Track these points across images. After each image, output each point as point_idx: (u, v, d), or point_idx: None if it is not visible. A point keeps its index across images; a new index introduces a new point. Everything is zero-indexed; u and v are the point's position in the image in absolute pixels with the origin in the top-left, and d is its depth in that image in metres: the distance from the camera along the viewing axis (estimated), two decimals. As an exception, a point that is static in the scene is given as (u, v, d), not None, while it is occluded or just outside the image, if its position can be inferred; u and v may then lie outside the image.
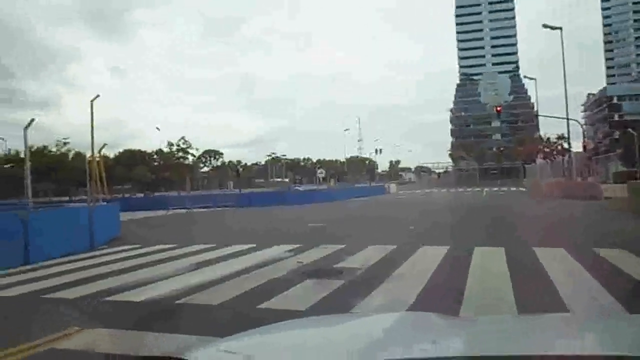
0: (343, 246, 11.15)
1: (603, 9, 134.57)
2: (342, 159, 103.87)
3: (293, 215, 22.83)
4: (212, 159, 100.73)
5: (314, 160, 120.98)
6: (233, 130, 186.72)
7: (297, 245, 11.56)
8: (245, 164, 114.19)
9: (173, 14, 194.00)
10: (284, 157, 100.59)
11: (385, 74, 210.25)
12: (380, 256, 9.65)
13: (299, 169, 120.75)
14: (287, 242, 12.25)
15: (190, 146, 76.25)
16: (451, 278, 7.52)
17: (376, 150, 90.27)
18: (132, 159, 74.68)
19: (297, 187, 64.54)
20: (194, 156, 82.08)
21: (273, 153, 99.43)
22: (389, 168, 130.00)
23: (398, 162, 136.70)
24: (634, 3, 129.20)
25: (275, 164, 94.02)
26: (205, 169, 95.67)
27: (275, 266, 9.16)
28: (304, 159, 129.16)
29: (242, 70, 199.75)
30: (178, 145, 74.94)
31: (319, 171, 56.19)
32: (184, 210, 29.64)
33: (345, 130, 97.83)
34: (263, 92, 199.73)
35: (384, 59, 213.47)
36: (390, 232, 14.30)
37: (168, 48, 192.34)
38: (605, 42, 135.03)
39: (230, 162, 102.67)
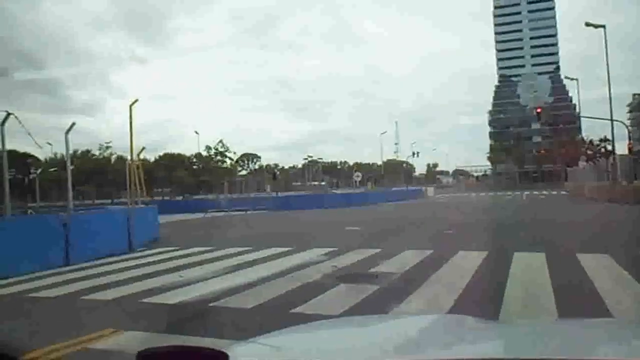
0: (379, 250, 11.02)
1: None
2: (379, 162, 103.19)
3: (330, 219, 22.78)
4: (249, 162, 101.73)
5: (351, 164, 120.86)
6: (271, 133, 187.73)
7: (333, 249, 11.48)
8: (283, 167, 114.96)
9: (210, 17, 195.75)
10: (321, 160, 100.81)
11: (423, 76, 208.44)
12: (417, 261, 9.48)
13: (336, 172, 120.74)
14: (323, 245, 12.20)
15: (227, 150, 77.10)
16: (489, 284, 7.32)
17: (413, 153, 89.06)
18: (172, 162, 75.84)
19: (334, 191, 64.52)
20: (232, 160, 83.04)
21: (309, 156, 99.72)
22: (427, 171, 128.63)
23: (435, 165, 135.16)
24: None
25: (312, 167, 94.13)
26: (243, 172, 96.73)
27: (310, 270, 9.10)
28: (341, 162, 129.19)
29: (279, 73, 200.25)
30: (216, 149, 75.87)
31: (355, 174, 55.91)
32: (222, 213, 29.96)
33: (382, 133, 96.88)
34: (299, 95, 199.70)
35: (422, 61, 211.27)
36: (427, 237, 14.07)
37: (206, 52, 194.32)
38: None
39: (267, 165, 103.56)
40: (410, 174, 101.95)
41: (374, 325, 2.20)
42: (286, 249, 11.91)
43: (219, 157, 76.32)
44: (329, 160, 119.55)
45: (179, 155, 79.64)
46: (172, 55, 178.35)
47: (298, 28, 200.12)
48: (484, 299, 6.43)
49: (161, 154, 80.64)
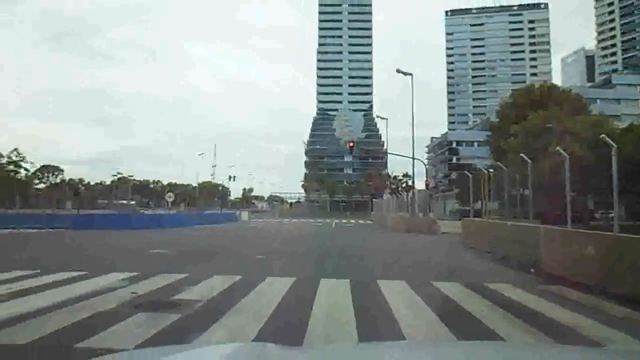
0: (185, 275, 10.44)
1: (448, 63, 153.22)
2: (195, 184, 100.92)
3: (136, 241, 21.33)
4: (50, 175, 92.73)
5: (165, 183, 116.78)
6: (77, 146, 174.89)
7: (135, 274, 10.59)
8: (89, 182, 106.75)
9: (15, 15, 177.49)
10: (132, 178, 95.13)
11: (245, 102, 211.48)
12: (224, 287, 9.13)
13: (148, 191, 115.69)
14: (124, 270, 11.20)
15: (23, 159, 69.23)
16: (295, 310, 7.29)
17: (230, 177, 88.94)
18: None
19: (143, 211, 61.32)
20: (28, 171, 74.82)
21: (119, 173, 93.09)
22: (242, 195, 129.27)
23: (251, 189, 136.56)
24: (473, 61, 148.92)
25: (122, 184, 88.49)
26: (42, 185, 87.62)
27: (106, 297, 8.19)
28: (154, 181, 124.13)
29: (89, 84, 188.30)
30: (9, 158, 67.75)
31: (168, 195, 53.70)
32: (7, 231, 26.45)
33: (199, 154, 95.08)
34: (112, 109, 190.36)
35: (244, 87, 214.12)
36: (236, 262, 13.83)
37: (10, 52, 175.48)
38: (449, 93, 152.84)
39: (71, 179, 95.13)
40: (226, 198, 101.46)
41: (168, 358, 2.04)
42: (78, 273, 10.66)
43: (11, 167, 68.11)
44: (141, 179, 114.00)
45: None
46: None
47: (116, 40, 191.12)
48: (289, 326, 6.38)
49: None
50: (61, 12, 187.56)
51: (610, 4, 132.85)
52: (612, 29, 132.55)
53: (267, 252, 16.43)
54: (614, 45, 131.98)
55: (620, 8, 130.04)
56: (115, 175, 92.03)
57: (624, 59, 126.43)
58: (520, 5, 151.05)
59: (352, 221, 54.91)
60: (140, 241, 21.07)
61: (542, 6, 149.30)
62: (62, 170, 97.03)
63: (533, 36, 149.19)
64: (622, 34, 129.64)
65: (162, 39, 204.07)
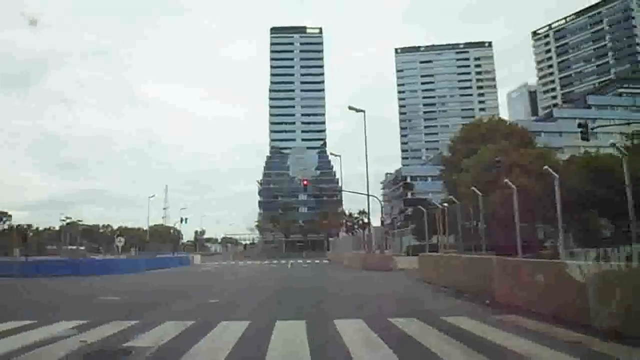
0: (137, 322, 10.10)
1: (399, 99, 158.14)
2: (145, 227, 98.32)
3: (85, 287, 20.71)
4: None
5: (115, 227, 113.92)
6: (23, 190, 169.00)
7: (84, 322, 10.17)
8: (37, 228, 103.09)
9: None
10: (81, 223, 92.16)
11: (196, 142, 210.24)
12: (177, 333, 8.85)
13: (98, 236, 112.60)
14: (73, 318, 10.75)
15: (-35, 205, 66.42)
16: (250, 353, 7.15)
17: (182, 219, 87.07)
18: None
19: (92, 256, 59.57)
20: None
21: (68, 217, 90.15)
22: (194, 238, 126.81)
23: (203, 232, 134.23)
24: (424, 97, 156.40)
25: (71, 229, 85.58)
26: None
27: (53, 347, 7.82)
28: (104, 225, 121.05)
29: (36, 125, 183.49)
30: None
31: (117, 239, 52.44)
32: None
33: (150, 197, 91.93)
34: (60, 151, 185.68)
35: (196, 127, 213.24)
36: (189, 307, 13.45)
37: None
38: (401, 128, 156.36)
39: (19, 225, 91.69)
40: (178, 241, 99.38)
41: None
42: (27, 322, 10.20)
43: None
44: (91, 223, 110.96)
45: None
46: None
47: (67, 80, 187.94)
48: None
49: None
50: (8, 54, 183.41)
51: (547, 43, 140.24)
52: (550, 66, 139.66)
53: (220, 296, 16.15)
54: (553, 82, 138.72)
55: (556, 47, 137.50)
56: (64, 220, 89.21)
57: (562, 94, 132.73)
58: (466, 44, 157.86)
59: (309, 261, 54.59)
60: (91, 288, 20.50)
61: (487, 44, 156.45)
62: (10, 216, 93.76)
63: (479, 72, 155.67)
64: (560, 71, 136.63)
65: (112, 80, 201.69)
